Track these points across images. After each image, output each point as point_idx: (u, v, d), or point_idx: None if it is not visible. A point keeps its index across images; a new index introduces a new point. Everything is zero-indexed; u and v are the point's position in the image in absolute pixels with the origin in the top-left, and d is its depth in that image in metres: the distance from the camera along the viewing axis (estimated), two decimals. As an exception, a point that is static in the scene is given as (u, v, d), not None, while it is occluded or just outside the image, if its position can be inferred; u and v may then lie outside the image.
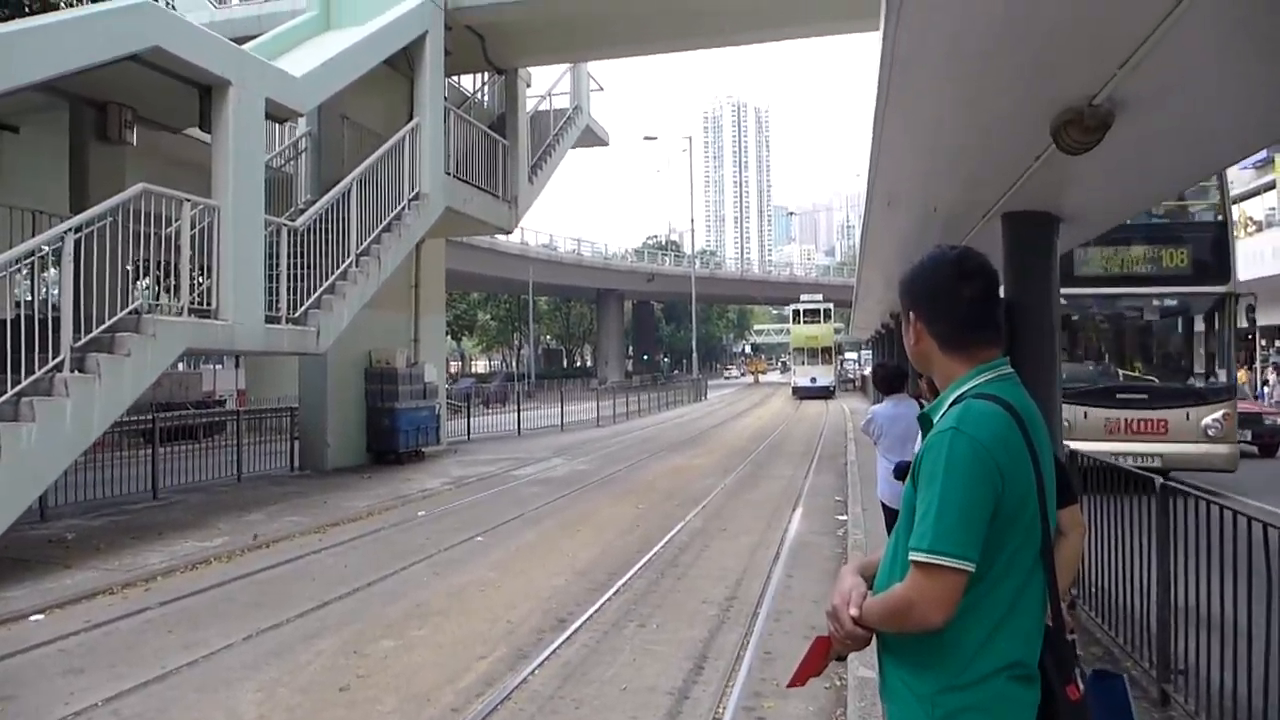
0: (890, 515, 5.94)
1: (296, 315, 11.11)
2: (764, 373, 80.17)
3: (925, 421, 1.83)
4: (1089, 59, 2.69)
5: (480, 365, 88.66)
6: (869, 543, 8.32)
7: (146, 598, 7.11)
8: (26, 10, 10.45)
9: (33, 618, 6.54)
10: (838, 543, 8.95)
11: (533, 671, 5.29)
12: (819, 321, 46.95)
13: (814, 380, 43.57)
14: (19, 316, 7.51)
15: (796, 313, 49.47)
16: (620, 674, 5.28)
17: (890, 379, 6.09)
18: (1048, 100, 3.09)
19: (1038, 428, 1.73)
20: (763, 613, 6.52)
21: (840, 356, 62.17)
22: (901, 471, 4.56)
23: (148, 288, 11.30)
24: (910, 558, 1.61)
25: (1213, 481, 9.59)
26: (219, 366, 37.68)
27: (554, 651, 5.65)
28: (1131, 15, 2.34)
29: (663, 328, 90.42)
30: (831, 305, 48.90)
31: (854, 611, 1.73)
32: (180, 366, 29.36)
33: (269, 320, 10.60)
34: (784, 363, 74.43)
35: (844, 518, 10.08)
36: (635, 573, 7.74)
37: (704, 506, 11.21)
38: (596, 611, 6.56)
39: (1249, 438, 16.93)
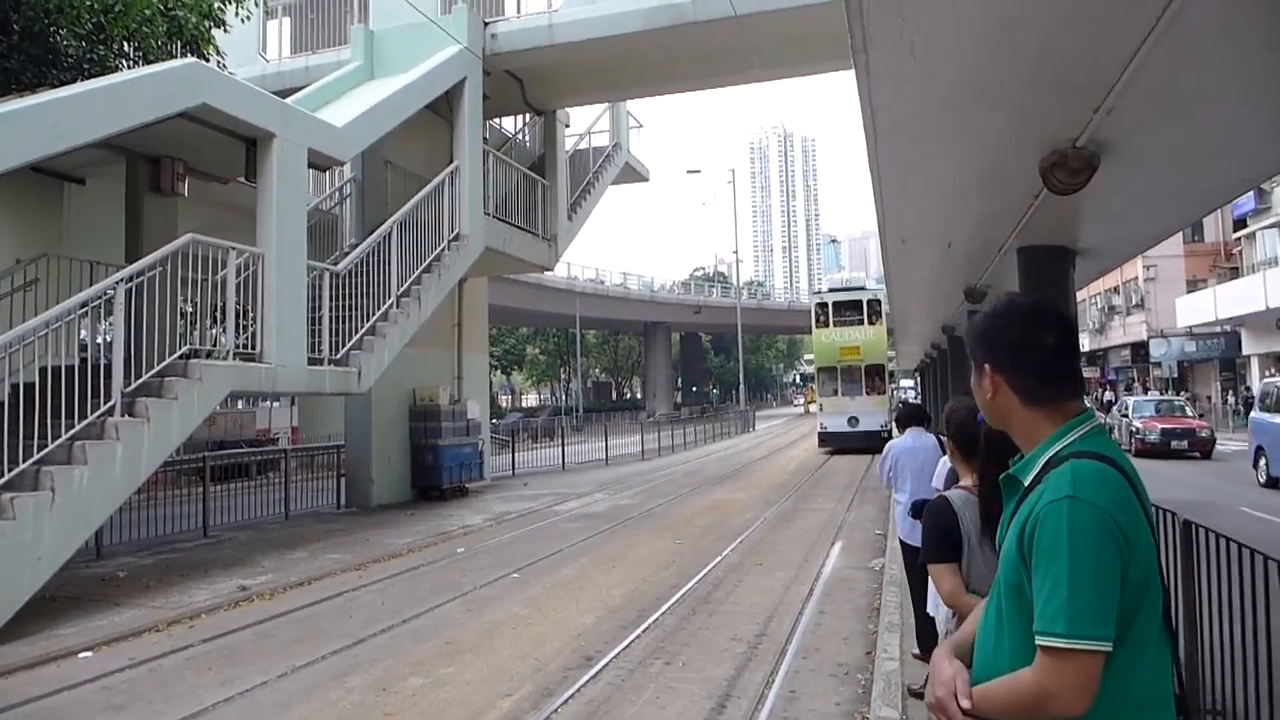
0: (909, 553, 5.90)
1: (339, 357, 11.42)
2: (813, 402, 79.49)
3: (1011, 482, 1.73)
4: (1064, 106, 2.73)
5: (531, 399, 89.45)
6: (904, 576, 8.20)
7: (190, 635, 7.32)
8: (85, 73, 11.01)
9: (81, 655, 6.77)
10: (874, 578, 8.85)
11: (556, 710, 5.33)
12: (861, 321, 28.07)
13: (854, 422, 26.33)
14: (73, 364, 7.88)
15: (822, 306, 29.06)
16: (643, 712, 5.30)
17: (908, 418, 6.23)
18: (1034, 144, 3.12)
19: (1140, 483, 1.61)
20: (791, 650, 6.47)
21: (894, 385, 48.46)
22: (917, 510, 4.53)
23: (202, 330, 11.73)
24: (1040, 644, 1.49)
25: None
26: (275, 405, 38.51)
27: (579, 690, 5.68)
28: (1094, 65, 2.39)
29: (711, 359, 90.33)
30: (882, 296, 27.02)
31: (965, 703, 1.61)
32: (240, 405, 30.28)
33: (312, 362, 10.93)
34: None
35: (877, 561, 9.96)
36: (667, 609, 7.74)
37: (741, 541, 11.16)
38: (625, 649, 6.58)
39: (1186, 445, 20.73)
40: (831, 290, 31.10)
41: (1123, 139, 2.98)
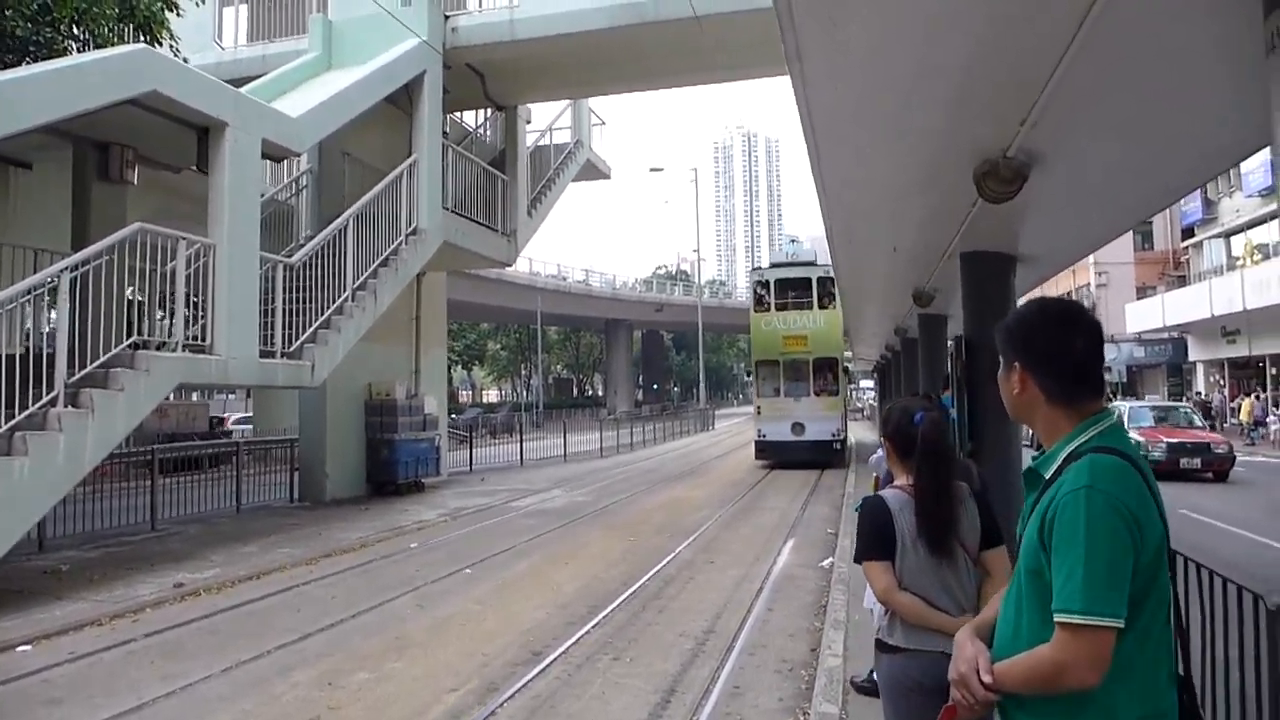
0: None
1: (291, 350, 11.29)
2: None
3: (1033, 476, 1.83)
4: (992, 118, 2.83)
5: (492, 395, 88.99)
6: (852, 574, 8.33)
7: (133, 629, 7.21)
8: (32, 55, 10.76)
9: (20, 648, 6.64)
10: (823, 576, 8.97)
11: (501, 704, 5.35)
12: (811, 305, 22.46)
13: (798, 430, 21.17)
14: (15, 354, 7.70)
15: (763, 285, 23.30)
16: (588, 707, 5.34)
17: None
18: (969, 152, 3.23)
19: (1152, 477, 1.73)
20: (737, 647, 6.55)
21: (852, 384, 45.11)
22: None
23: (150, 320, 11.54)
24: (1058, 620, 1.61)
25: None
26: (229, 397, 37.82)
27: (525, 684, 5.70)
28: (1017, 81, 2.48)
29: (672, 357, 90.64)
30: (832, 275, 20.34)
31: (987, 678, 1.74)
32: (195, 397, 29.77)
33: (264, 354, 10.79)
34: None
35: (827, 560, 10.11)
36: (617, 606, 7.78)
37: (695, 539, 11.23)
38: (573, 644, 6.61)
39: (1198, 465, 16.61)
40: (775, 266, 24.51)
41: (1051, 150, 3.09)
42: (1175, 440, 16.96)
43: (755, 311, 23.26)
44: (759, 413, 22.17)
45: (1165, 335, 36.17)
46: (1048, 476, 1.76)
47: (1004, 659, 1.76)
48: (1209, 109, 2.95)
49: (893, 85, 2.68)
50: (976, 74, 2.45)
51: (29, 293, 8.12)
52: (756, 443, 21.87)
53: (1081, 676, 1.60)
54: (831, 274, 20.97)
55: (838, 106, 2.88)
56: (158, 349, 9.33)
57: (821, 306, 22.24)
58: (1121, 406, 19.68)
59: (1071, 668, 1.60)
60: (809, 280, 22.44)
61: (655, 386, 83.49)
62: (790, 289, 22.80)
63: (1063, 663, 1.61)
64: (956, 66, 2.44)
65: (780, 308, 22.69)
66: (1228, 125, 3.14)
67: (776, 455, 21.29)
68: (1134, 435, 16.79)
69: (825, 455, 20.76)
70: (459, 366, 67.87)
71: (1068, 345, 1.79)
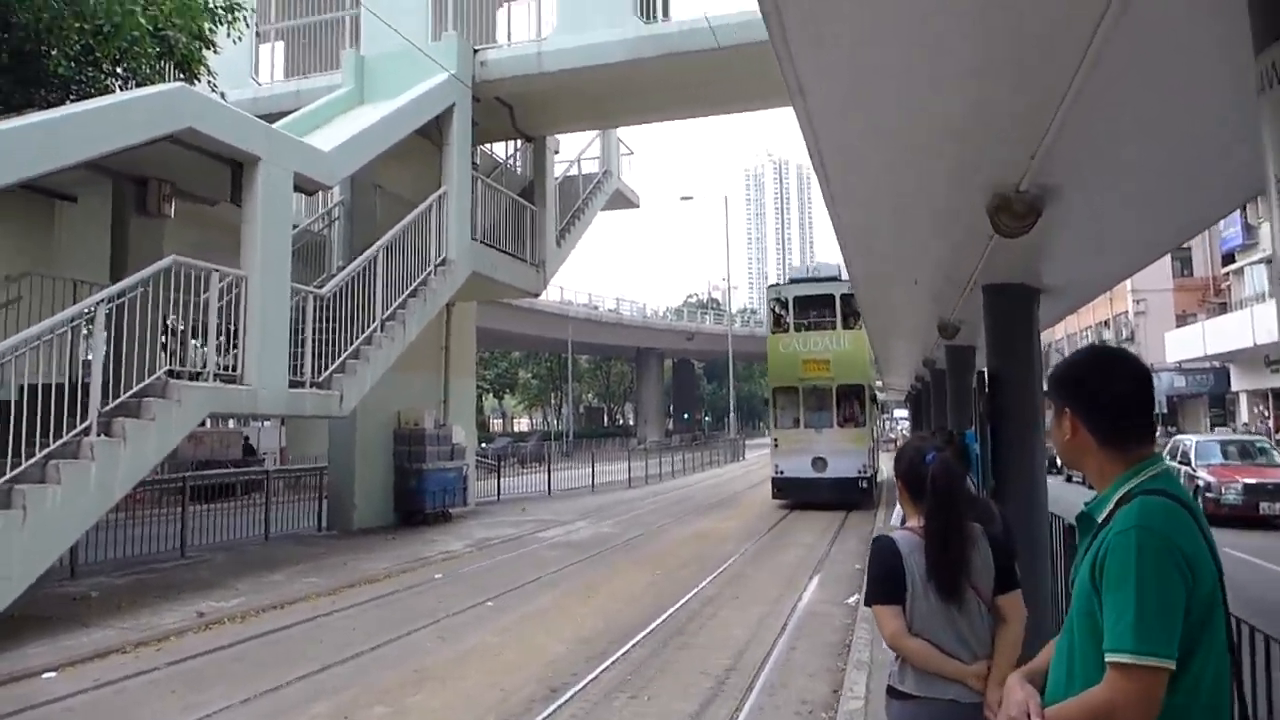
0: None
1: (321, 379, 11.42)
2: None
3: (1086, 520, 1.84)
4: (1000, 155, 2.80)
5: (523, 423, 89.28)
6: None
7: (157, 657, 7.27)
8: (75, 94, 11.10)
9: (45, 675, 6.73)
10: (848, 613, 8.82)
11: (516, 742, 5.31)
12: (833, 324, 20.17)
13: (820, 465, 18.93)
14: (52, 383, 7.87)
15: (781, 304, 21.12)
16: (603, 746, 5.27)
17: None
18: (980, 186, 3.19)
19: (1203, 519, 1.73)
20: (758, 686, 6.44)
21: (884, 414, 42.82)
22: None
23: (183, 351, 11.73)
24: (1109, 660, 1.61)
25: None
26: (264, 424, 38.22)
27: (541, 722, 5.65)
28: (1022, 116, 2.45)
29: (704, 386, 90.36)
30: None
31: None
32: (230, 424, 30.15)
33: (293, 384, 10.93)
34: None
35: (853, 596, 9.94)
36: (639, 641, 7.70)
37: (721, 573, 11.12)
38: (592, 681, 6.54)
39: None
40: (794, 282, 22.01)
41: (1064, 183, 3.04)
42: (1254, 481, 14.53)
43: (773, 332, 21.02)
44: (776, 445, 19.96)
45: (1207, 364, 35.34)
46: (1100, 520, 1.76)
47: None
48: (1215, 145, 2.89)
49: (894, 131, 2.66)
50: (981, 114, 2.43)
51: (68, 324, 8.30)
52: (773, 480, 19.75)
53: (1133, 718, 1.58)
54: (848, 290, 18.39)
55: (838, 140, 2.87)
56: (191, 379, 9.48)
57: (846, 326, 19.77)
58: (1187, 440, 17.67)
59: (1122, 709, 1.58)
60: (831, 297, 20.04)
61: (686, 416, 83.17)
62: (811, 307, 20.56)
63: (1114, 703, 1.59)
64: (959, 107, 2.42)
65: (800, 328, 20.50)
66: (1231, 164, 3.07)
67: (796, 494, 19.26)
68: (1203, 475, 15.17)
69: (851, 495, 18.66)
70: (490, 395, 68.22)
71: (1117, 391, 1.82)
